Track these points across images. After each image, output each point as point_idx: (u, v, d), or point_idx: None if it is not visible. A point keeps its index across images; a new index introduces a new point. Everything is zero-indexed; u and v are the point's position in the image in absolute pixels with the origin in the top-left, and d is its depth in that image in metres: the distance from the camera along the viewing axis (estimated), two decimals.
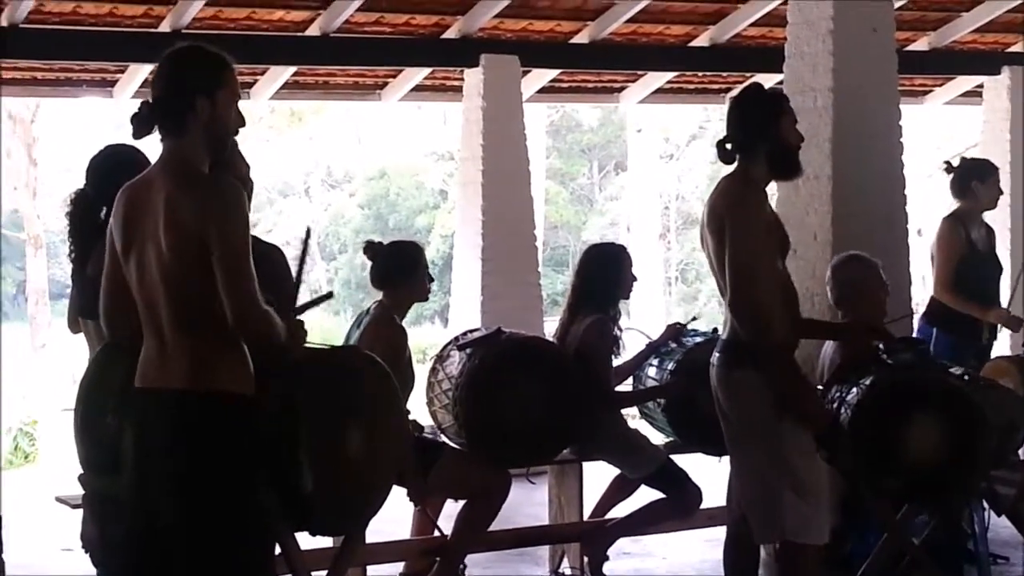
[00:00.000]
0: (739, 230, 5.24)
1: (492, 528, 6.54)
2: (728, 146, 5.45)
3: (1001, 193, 8.24)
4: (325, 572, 5.64)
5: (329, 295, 5.40)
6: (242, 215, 4.07)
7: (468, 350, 6.68)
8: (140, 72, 10.43)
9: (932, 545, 6.21)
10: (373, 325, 6.29)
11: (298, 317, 4.40)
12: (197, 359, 4.08)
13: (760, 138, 5.40)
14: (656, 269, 27.65)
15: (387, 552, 6.61)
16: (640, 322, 10.63)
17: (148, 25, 9.89)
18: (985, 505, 6.27)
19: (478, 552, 6.85)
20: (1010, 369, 7.67)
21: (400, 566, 6.73)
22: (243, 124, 4.29)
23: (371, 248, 6.58)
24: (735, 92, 12.43)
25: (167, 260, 4.06)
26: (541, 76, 11.86)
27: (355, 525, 5.36)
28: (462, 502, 6.48)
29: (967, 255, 7.93)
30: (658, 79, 12.42)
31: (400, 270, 6.50)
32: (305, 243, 4.80)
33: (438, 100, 12.30)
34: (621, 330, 7.02)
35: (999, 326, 8.03)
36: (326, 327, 22.16)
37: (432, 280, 6.63)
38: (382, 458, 4.95)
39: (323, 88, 12.05)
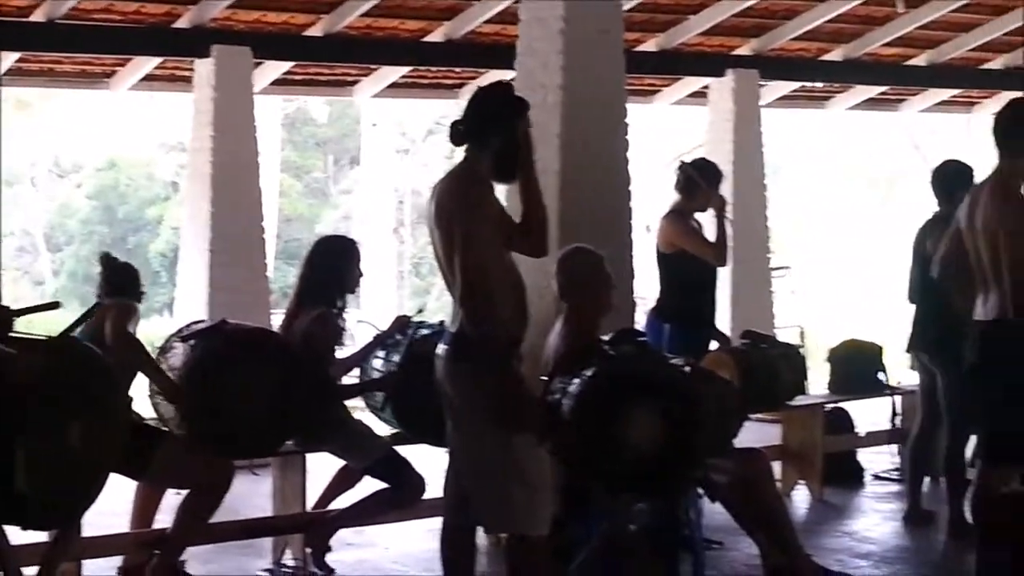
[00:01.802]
0: (468, 225, 5.25)
1: (214, 520, 6.46)
2: (460, 128, 5.46)
3: (723, 201, 8.46)
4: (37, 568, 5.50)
5: (54, 305, 5.35)
6: None
7: (191, 342, 6.60)
8: None
9: (649, 532, 6.34)
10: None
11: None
12: None
13: (493, 134, 5.41)
14: (389, 263, 27.69)
15: (104, 546, 6.49)
16: (372, 315, 10.61)
17: None
18: (700, 492, 6.43)
19: (199, 544, 6.76)
20: (728, 361, 7.93)
21: (119, 560, 6.60)
22: None
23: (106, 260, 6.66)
24: (470, 88, 12.73)
25: None
26: (274, 68, 11.76)
27: (68, 519, 5.23)
28: (184, 493, 6.39)
29: (685, 251, 8.19)
30: (392, 73, 12.43)
31: (127, 287, 6.63)
32: None
33: (169, 90, 12.09)
34: (346, 322, 7.02)
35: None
36: (48, 316, 21.51)
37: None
38: (97, 451, 4.84)
39: (48, 75, 11.74)
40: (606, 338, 6.18)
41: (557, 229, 7.65)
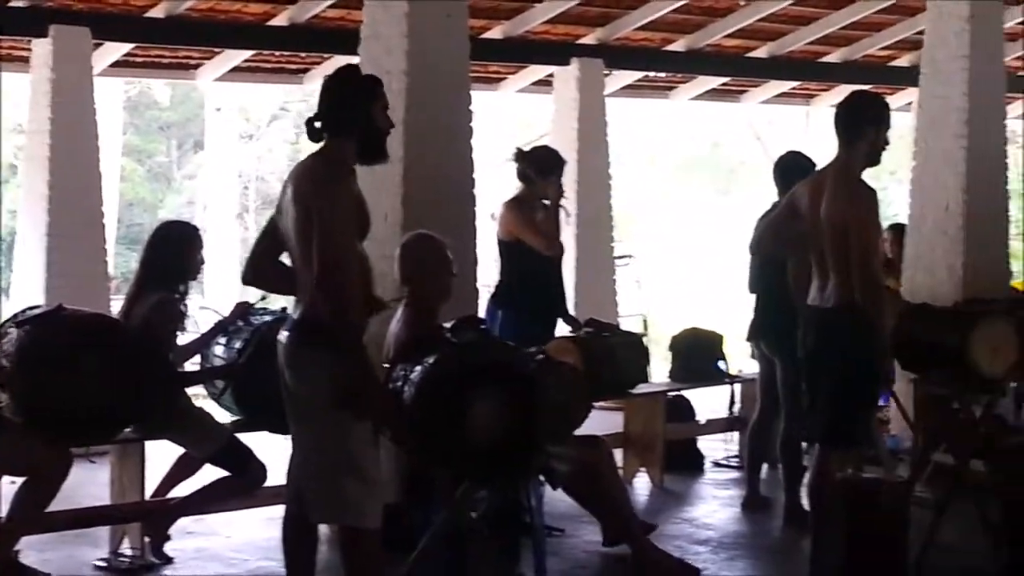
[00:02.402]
0: (328, 211, 5.19)
1: (50, 508, 6.34)
2: (317, 124, 5.41)
3: (561, 191, 8.49)
4: None
5: None
6: None
7: (26, 327, 6.47)
8: None
9: (490, 518, 6.35)
10: None
11: None
12: None
13: (350, 120, 5.37)
14: (233, 249, 27.39)
15: None
16: (215, 301, 10.49)
17: None
18: (542, 479, 6.46)
19: (35, 534, 6.64)
20: (571, 349, 7.97)
21: None
22: None
23: None
24: (314, 73, 12.63)
25: None
26: (114, 50, 11.52)
27: None
28: (19, 481, 6.27)
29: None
30: (235, 57, 12.27)
31: None
32: None
33: (6, 70, 11.77)
34: (187, 308, 6.94)
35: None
36: None
37: None
38: None
39: None
40: (448, 325, 6.19)
41: (400, 215, 7.66)
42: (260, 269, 5.57)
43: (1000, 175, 10.10)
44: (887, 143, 6.71)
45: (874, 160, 6.67)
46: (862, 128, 6.60)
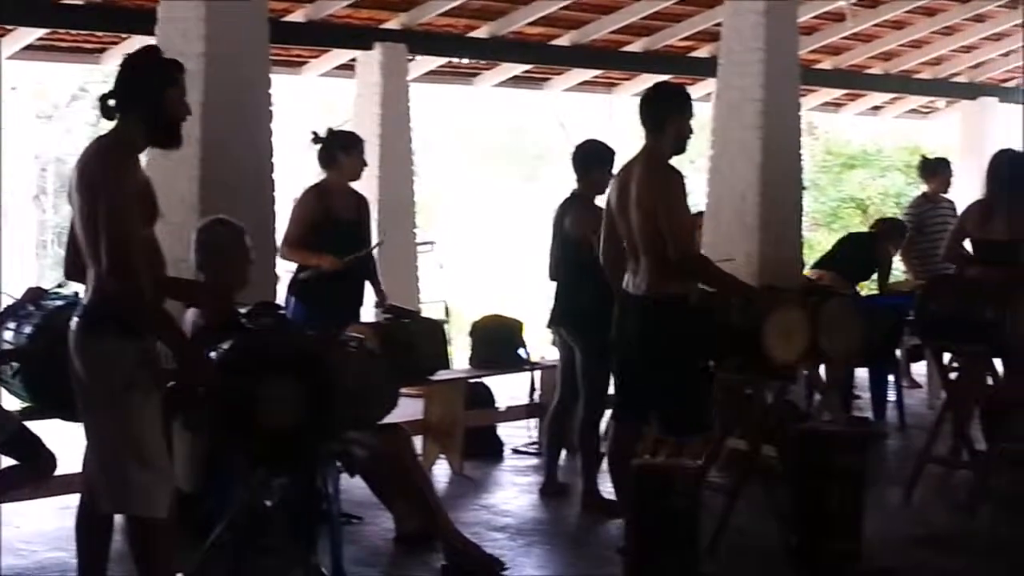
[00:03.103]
0: (111, 195, 5.08)
1: None
2: (111, 102, 5.29)
3: (365, 164, 8.48)
4: None
5: None
6: None
7: None
8: None
9: (286, 505, 6.29)
10: None
11: None
12: None
13: (144, 102, 5.26)
14: (30, 231, 26.76)
15: None
16: (11, 285, 10.18)
17: None
18: (340, 466, 6.41)
19: None
20: (370, 335, 7.92)
21: None
22: None
23: None
24: (113, 52, 12.36)
25: None
26: None
27: None
28: None
29: (322, 223, 8.16)
30: (28, 35, 11.94)
31: None
32: None
33: None
34: None
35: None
36: None
37: None
38: None
39: None
40: (244, 311, 6.11)
41: (197, 200, 7.55)
42: (78, 262, 5.41)
43: (794, 166, 10.32)
44: (691, 131, 6.85)
45: (680, 148, 6.83)
46: (667, 117, 6.75)
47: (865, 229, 13.96)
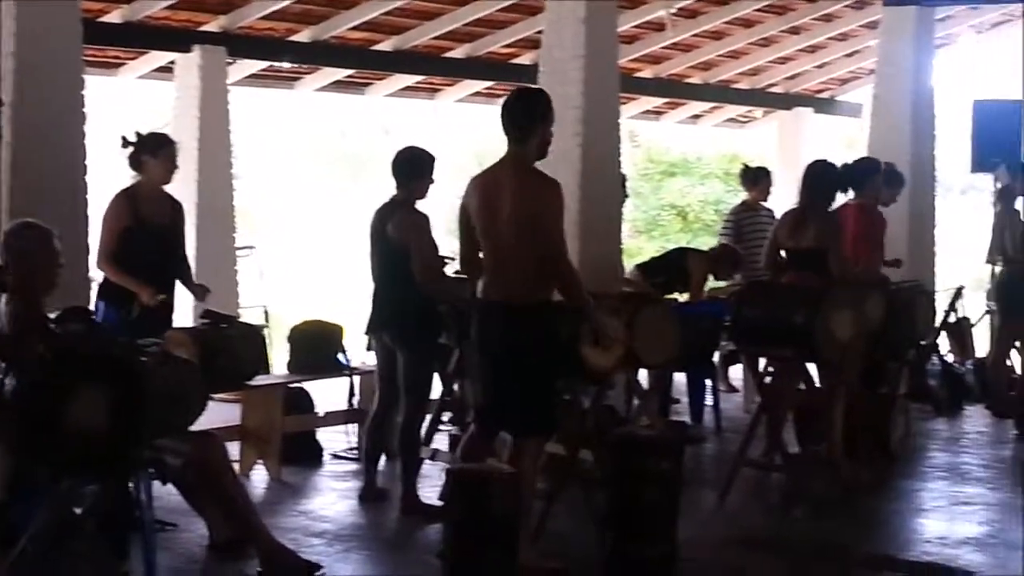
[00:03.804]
0: None
1: None
2: None
3: (175, 167, 8.29)
4: None
5: None
6: None
7: None
8: None
9: (97, 514, 6.17)
10: None
11: None
12: None
13: None
14: None
15: None
16: None
17: None
18: (153, 473, 6.30)
19: None
20: (186, 341, 7.81)
21: None
22: None
23: None
24: None
25: None
26: None
27: None
28: None
29: (132, 228, 8.00)
30: None
31: None
32: None
33: None
34: None
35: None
36: None
37: None
38: None
39: None
40: (54, 316, 5.99)
41: (7, 203, 7.38)
42: None
43: (614, 173, 10.43)
44: (551, 136, 6.87)
45: (543, 153, 6.83)
46: (534, 124, 6.73)
47: (687, 243, 14.16)
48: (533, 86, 9.44)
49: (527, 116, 6.76)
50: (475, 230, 6.83)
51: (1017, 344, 12.46)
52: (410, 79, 15.61)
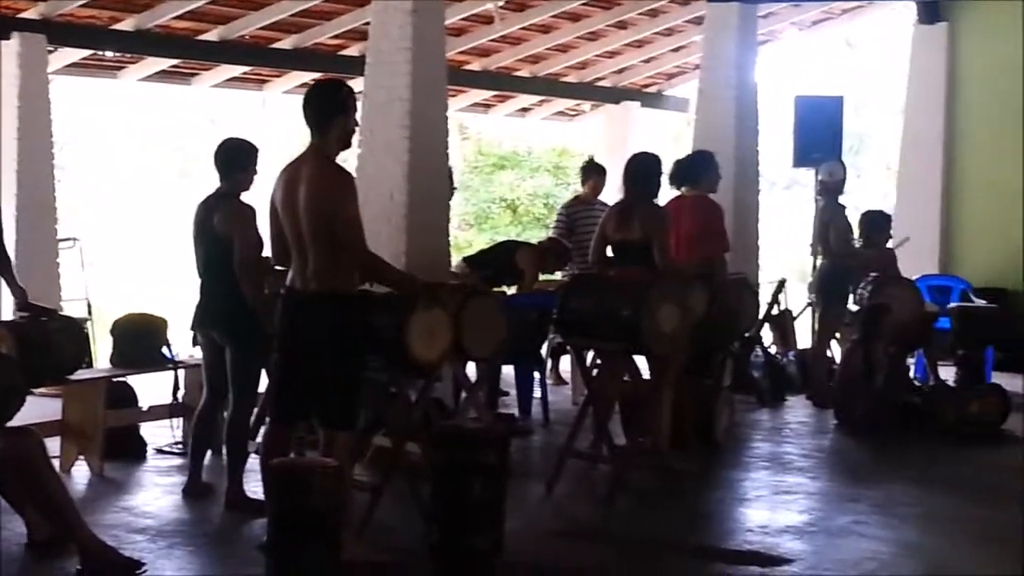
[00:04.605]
0: None
1: None
2: None
3: None
4: None
5: None
6: None
7: None
8: None
9: None
10: None
11: None
12: None
13: None
14: None
15: None
16: None
17: None
18: None
19: None
20: (3, 334, 7.65)
21: None
22: None
23: None
24: None
25: None
26: None
27: None
28: None
29: None
30: None
31: None
32: None
33: None
34: None
35: None
36: None
37: None
38: None
39: None
40: None
41: None
42: None
43: (442, 165, 10.43)
44: (356, 126, 6.89)
45: (346, 145, 6.86)
46: (334, 115, 6.74)
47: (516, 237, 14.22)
48: (335, 77, 9.43)
49: (326, 108, 6.77)
50: (281, 222, 6.85)
51: (838, 335, 12.72)
52: (237, 70, 15.44)
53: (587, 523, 8.13)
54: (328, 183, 6.64)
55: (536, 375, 11.46)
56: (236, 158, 8.09)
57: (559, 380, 12.93)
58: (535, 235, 19.63)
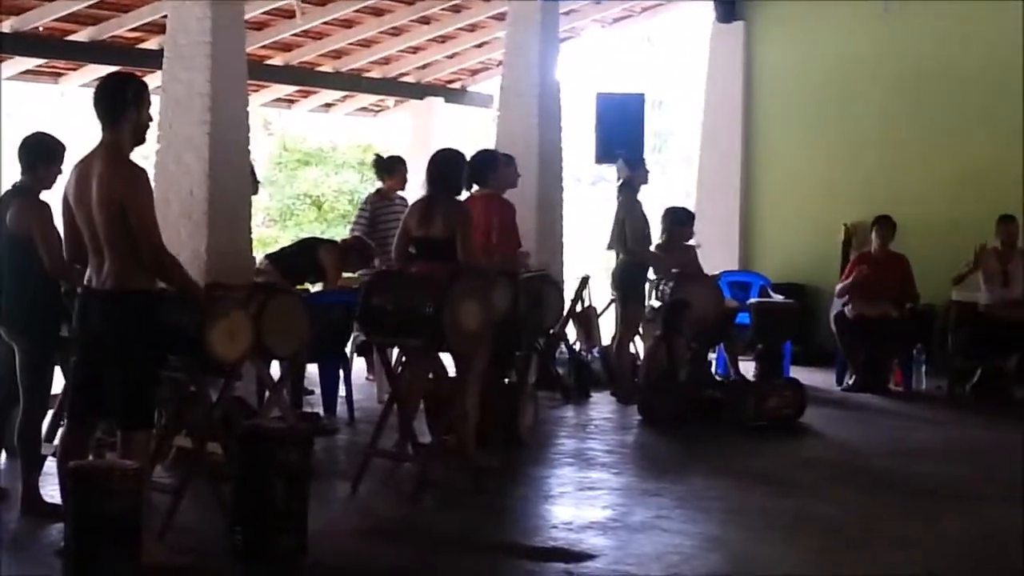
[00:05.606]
0: None
1: None
2: None
3: None
4: None
5: None
6: None
7: None
8: None
9: None
10: None
11: None
12: None
13: None
14: None
15: None
16: None
17: None
18: None
19: None
20: None
21: None
22: None
23: None
24: None
25: None
26: None
27: None
28: None
29: None
30: None
31: None
32: None
33: None
34: None
35: None
36: None
37: None
38: None
39: None
40: None
41: None
42: None
43: (243, 161, 10.31)
44: (150, 121, 6.79)
45: (140, 139, 6.75)
46: (124, 109, 6.64)
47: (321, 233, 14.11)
48: (127, 71, 9.27)
49: (115, 103, 6.67)
50: (75, 219, 6.73)
51: (640, 331, 12.86)
52: (31, 62, 15.04)
53: (392, 522, 8.10)
54: (119, 179, 6.52)
55: (341, 373, 11.38)
56: (39, 154, 7.92)
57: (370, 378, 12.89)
58: (340, 232, 19.51)
